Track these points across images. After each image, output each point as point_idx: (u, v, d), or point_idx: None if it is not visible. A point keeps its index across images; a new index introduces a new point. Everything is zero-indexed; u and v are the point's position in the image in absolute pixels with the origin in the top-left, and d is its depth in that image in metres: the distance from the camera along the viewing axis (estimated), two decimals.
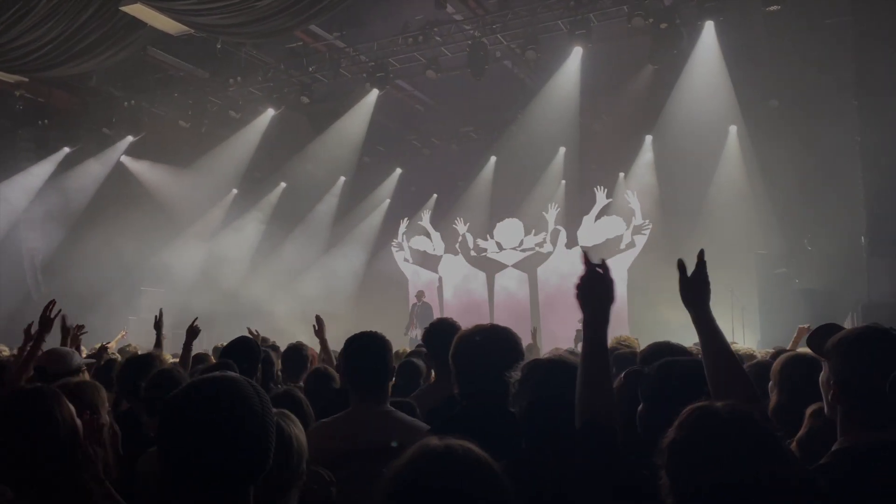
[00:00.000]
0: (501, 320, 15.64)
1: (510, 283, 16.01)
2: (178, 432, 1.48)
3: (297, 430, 2.03)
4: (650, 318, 11.74)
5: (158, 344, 5.23)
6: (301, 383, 4.51)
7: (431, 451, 1.31)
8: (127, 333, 8.81)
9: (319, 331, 5.13)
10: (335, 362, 4.62)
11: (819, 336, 1.93)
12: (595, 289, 2.01)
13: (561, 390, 1.99)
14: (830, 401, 1.83)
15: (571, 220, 15.60)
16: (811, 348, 2.00)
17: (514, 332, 2.60)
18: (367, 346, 2.89)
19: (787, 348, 5.17)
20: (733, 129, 13.37)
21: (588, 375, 1.96)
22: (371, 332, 2.99)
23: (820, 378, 1.90)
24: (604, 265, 2.04)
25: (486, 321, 4.06)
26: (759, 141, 12.90)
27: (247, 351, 3.96)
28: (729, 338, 8.02)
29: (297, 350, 5.13)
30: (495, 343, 2.49)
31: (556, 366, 2.09)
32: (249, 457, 1.49)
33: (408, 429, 2.67)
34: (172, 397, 1.53)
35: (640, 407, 2.19)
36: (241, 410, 1.49)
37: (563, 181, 15.60)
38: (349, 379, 2.89)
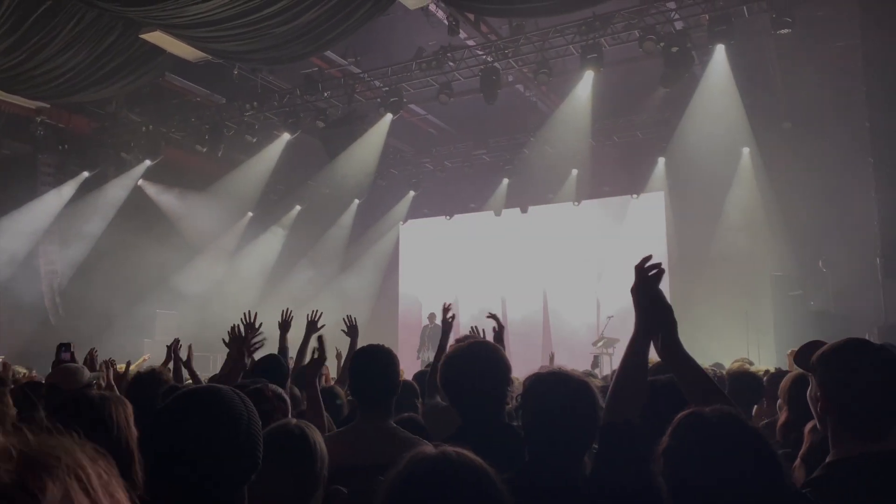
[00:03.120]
0: (517, 340, 15.39)
1: (523, 302, 16.05)
2: (160, 442, 1.53)
3: (319, 437, 2.15)
4: None
5: (177, 371, 5.26)
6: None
7: (426, 458, 1.32)
8: (149, 357, 8.91)
9: (350, 332, 5.08)
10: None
11: (805, 352, 1.97)
12: (644, 291, 2.05)
13: (564, 402, 2.02)
14: (820, 414, 1.86)
15: (584, 241, 15.64)
16: (798, 364, 2.04)
17: (496, 345, 2.70)
18: (371, 360, 2.89)
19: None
20: (746, 150, 13.40)
21: (620, 377, 2.00)
22: (377, 345, 2.97)
23: (808, 393, 1.94)
24: (659, 269, 2.07)
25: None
26: (772, 163, 12.92)
27: (276, 368, 3.92)
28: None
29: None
30: (479, 360, 2.54)
31: (559, 379, 2.10)
32: (235, 464, 1.54)
33: (410, 445, 2.60)
34: (159, 409, 1.59)
35: None
36: (225, 419, 1.54)
37: (575, 203, 15.71)
38: (354, 392, 2.93)
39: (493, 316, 4.61)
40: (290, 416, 2.58)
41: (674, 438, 1.61)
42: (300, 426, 2.16)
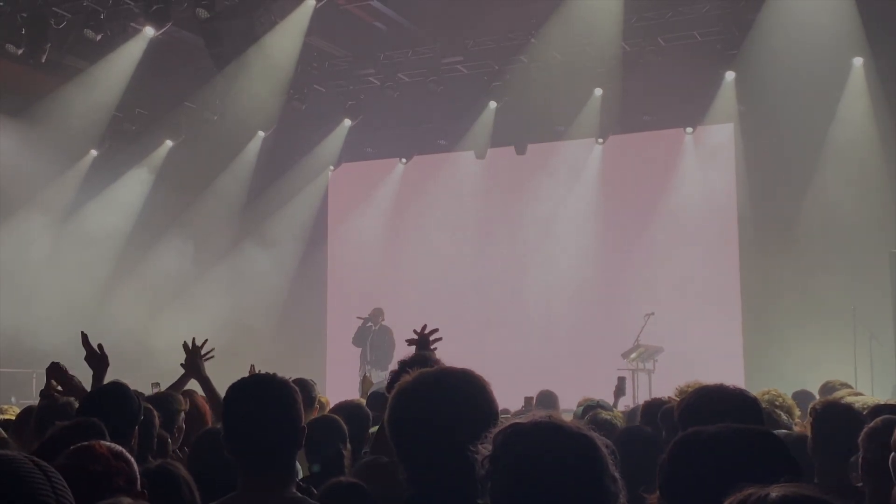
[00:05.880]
0: (501, 353, 15.23)
1: (517, 289, 15.99)
2: None
3: None
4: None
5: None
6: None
7: None
8: None
9: (190, 365, 5.43)
10: None
11: None
12: None
13: (553, 475, 2.00)
14: None
15: (611, 198, 15.52)
16: None
17: (479, 377, 2.64)
18: (255, 399, 2.95)
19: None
20: (858, 62, 13.43)
21: None
22: (263, 375, 3.12)
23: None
24: None
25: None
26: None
27: (120, 405, 4.00)
28: (850, 380, 7.86)
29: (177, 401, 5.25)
30: (447, 399, 2.51)
31: (548, 434, 2.07)
32: None
33: None
34: None
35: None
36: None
37: (599, 140, 15.57)
38: (230, 448, 2.98)
39: (420, 335, 4.58)
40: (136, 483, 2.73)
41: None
42: None
